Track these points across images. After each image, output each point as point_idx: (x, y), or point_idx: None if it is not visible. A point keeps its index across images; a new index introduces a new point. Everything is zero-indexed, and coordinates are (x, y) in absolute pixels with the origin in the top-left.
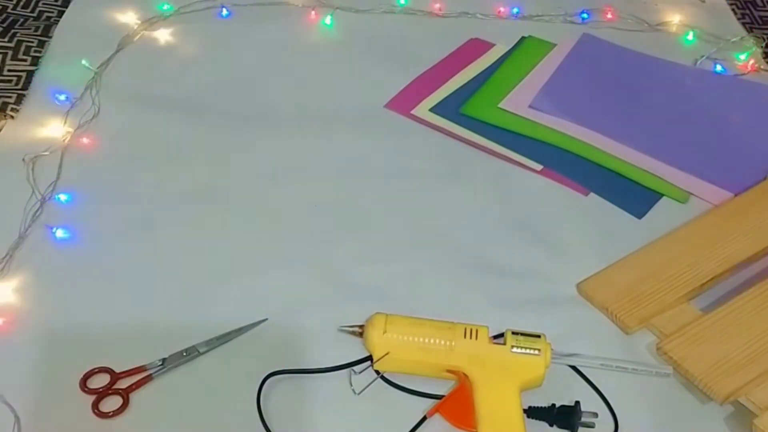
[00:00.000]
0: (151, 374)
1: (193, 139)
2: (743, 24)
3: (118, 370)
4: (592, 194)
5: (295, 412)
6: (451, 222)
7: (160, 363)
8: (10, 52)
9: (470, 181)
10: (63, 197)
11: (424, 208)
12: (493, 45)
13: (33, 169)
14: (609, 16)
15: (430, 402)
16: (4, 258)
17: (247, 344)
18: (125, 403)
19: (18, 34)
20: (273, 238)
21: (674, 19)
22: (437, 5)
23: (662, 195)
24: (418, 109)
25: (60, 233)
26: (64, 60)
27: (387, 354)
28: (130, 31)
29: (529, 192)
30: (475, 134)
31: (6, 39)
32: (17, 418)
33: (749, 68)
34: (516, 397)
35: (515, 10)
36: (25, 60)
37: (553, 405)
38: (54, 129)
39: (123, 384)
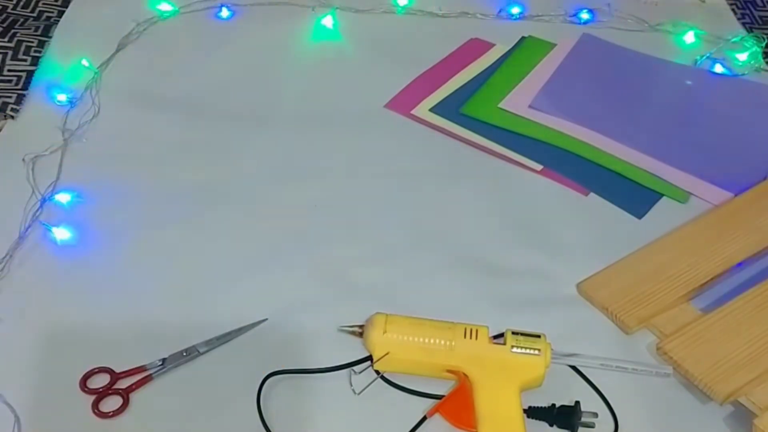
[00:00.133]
0: (151, 374)
1: (193, 139)
2: (743, 24)
3: (118, 370)
4: (592, 194)
5: (295, 412)
6: (451, 222)
7: (160, 363)
8: (10, 52)
9: (470, 181)
10: (63, 197)
11: (424, 208)
12: (493, 45)
13: (33, 169)
14: (609, 16)
15: (430, 402)
16: (4, 258)
17: (247, 344)
18: (125, 403)
19: (18, 34)
20: (273, 238)
21: (674, 19)
22: (437, 5)
23: (662, 195)
24: (418, 109)
25: (60, 233)
26: (64, 60)
27: (387, 354)
28: (130, 31)
29: (529, 192)
30: (475, 134)
31: (6, 39)
32: (17, 418)
33: (749, 68)
34: (516, 397)
35: (515, 10)
36: (25, 60)
37: (553, 405)
38: (54, 129)
39: (123, 384)
